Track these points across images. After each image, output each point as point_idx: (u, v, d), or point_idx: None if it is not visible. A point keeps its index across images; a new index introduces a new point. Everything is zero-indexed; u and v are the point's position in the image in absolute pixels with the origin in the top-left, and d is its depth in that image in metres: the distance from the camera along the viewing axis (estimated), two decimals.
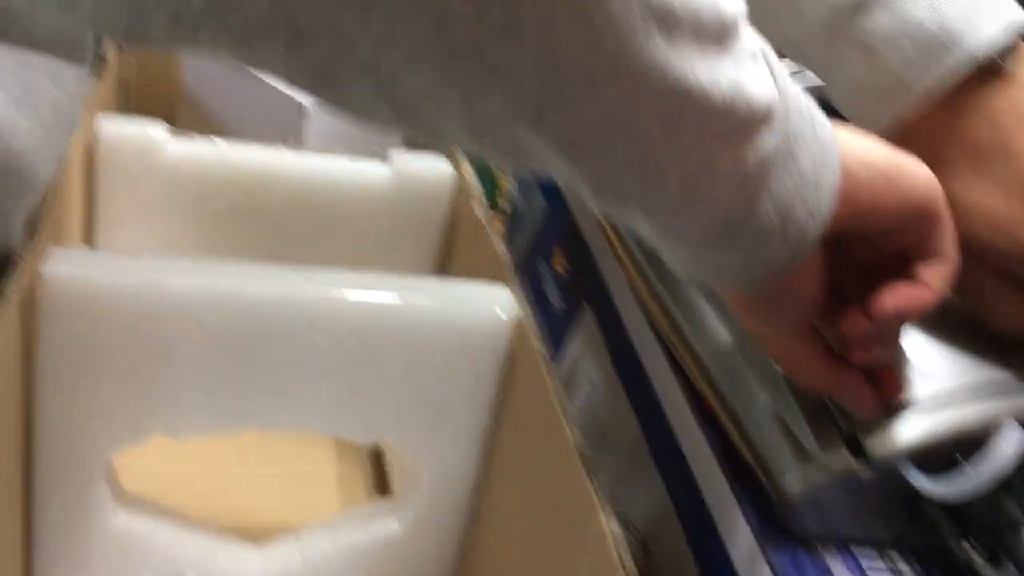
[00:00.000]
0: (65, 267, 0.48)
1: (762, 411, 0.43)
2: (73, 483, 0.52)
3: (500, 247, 0.61)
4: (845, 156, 0.35)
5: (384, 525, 0.58)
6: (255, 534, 0.60)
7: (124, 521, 0.54)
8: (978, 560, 0.39)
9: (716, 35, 0.29)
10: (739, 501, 0.43)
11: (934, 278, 0.37)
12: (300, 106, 0.69)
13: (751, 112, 0.30)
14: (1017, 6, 0.43)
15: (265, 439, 0.72)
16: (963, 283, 0.43)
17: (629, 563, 0.38)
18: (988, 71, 0.42)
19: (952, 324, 0.44)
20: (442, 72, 0.25)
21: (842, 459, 0.40)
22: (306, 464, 0.71)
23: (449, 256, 0.72)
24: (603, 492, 0.42)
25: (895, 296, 0.37)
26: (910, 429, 0.40)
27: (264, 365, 0.52)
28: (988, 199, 0.41)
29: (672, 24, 0.27)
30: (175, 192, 0.67)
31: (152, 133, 0.65)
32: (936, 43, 0.41)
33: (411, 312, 0.52)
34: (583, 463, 0.44)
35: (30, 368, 0.49)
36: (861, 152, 0.35)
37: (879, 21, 0.43)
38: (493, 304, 0.53)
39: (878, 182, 0.35)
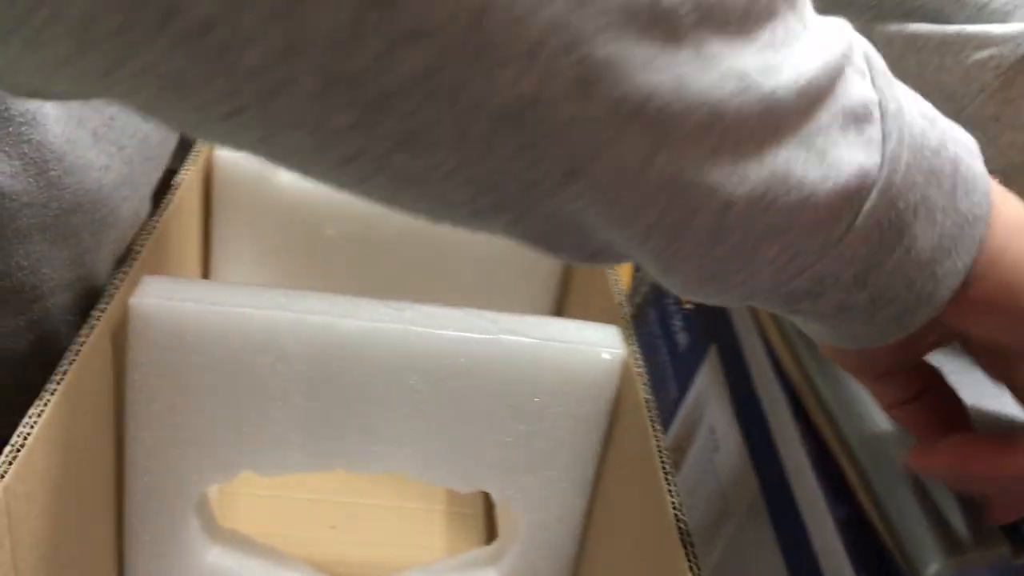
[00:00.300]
0: (154, 297, 0.47)
1: (906, 488, 0.37)
2: (164, 517, 0.51)
3: (616, 287, 0.57)
4: (999, 241, 0.27)
5: (482, 574, 0.54)
6: (354, 571, 0.58)
7: (216, 558, 0.53)
8: None
9: (796, 109, 0.23)
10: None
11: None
12: None
13: (829, 198, 0.24)
14: None
15: None
16: None
17: None
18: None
19: None
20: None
21: (999, 550, 0.34)
22: (417, 500, 0.69)
23: (567, 295, 0.68)
24: (702, 568, 0.37)
25: (946, 458, 0.31)
26: None
27: (354, 403, 0.49)
28: None
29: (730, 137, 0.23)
30: (289, 221, 0.66)
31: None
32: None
33: (510, 350, 0.49)
34: (681, 539, 0.39)
35: (122, 398, 0.48)
36: (1012, 245, 0.27)
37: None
38: (597, 345, 0.49)
39: (1006, 298, 0.28)
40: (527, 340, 0.49)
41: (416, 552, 0.65)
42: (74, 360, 0.42)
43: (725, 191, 0.23)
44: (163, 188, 0.58)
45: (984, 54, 0.38)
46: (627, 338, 0.50)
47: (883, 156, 0.25)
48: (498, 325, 0.49)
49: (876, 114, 0.25)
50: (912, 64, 0.41)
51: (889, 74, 0.26)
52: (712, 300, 0.27)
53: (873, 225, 0.25)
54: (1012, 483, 0.31)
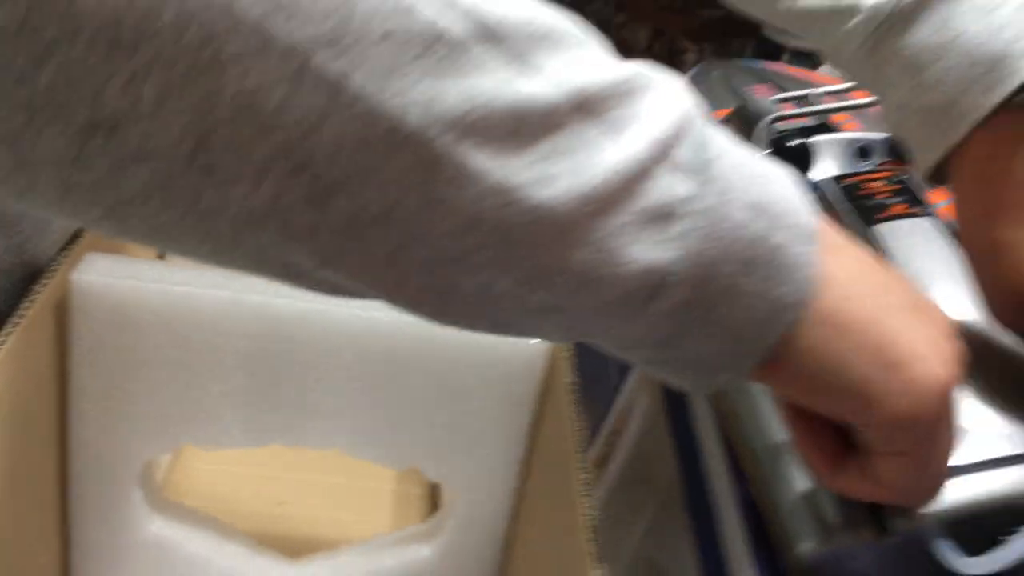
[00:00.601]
0: (96, 274, 0.48)
1: (790, 476, 0.39)
2: (108, 487, 0.53)
3: None
4: (807, 328, 0.28)
5: (417, 551, 0.56)
6: (298, 547, 0.59)
7: (159, 528, 0.55)
8: None
9: (577, 215, 0.24)
10: (757, 564, 0.40)
11: (862, 485, 0.32)
12: None
13: (613, 292, 0.26)
14: None
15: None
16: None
17: None
18: None
19: (1016, 377, 0.39)
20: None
21: (863, 531, 0.36)
22: (366, 478, 0.71)
23: None
24: (600, 544, 0.39)
25: (844, 487, 0.33)
26: (942, 499, 0.35)
27: (291, 381, 0.51)
28: None
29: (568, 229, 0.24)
30: None
31: None
32: (990, 64, 0.36)
33: (441, 335, 0.50)
34: (586, 518, 0.41)
35: (66, 372, 0.50)
36: (812, 341, 0.28)
37: (926, 34, 0.38)
38: None
39: (797, 380, 0.29)
40: None
41: (361, 529, 0.66)
42: (11, 332, 0.44)
43: (488, 275, 0.25)
44: None
45: (854, 22, 0.40)
46: None
47: (684, 250, 0.26)
48: None
49: (685, 213, 0.26)
50: (814, 32, 0.43)
51: (726, 165, 0.27)
52: (508, 336, 0.29)
53: (674, 306, 0.27)
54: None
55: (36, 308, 0.46)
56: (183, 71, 0.20)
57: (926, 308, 0.31)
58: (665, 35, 2.80)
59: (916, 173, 0.40)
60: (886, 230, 0.44)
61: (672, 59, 3.00)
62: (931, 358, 0.30)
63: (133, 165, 0.21)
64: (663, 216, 0.25)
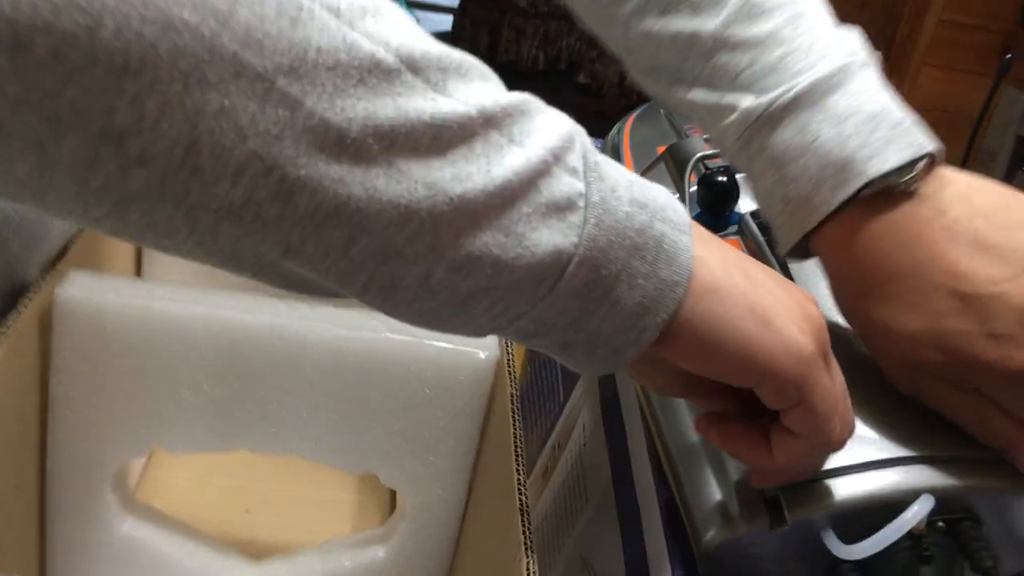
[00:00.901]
0: (78, 289, 0.53)
1: (701, 474, 0.44)
2: (82, 489, 0.57)
3: None
4: (683, 302, 0.34)
5: (372, 552, 0.60)
6: (261, 550, 0.63)
7: (130, 528, 0.59)
8: None
9: (491, 205, 0.30)
10: (671, 555, 0.44)
11: (789, 452, 0.37)
12: None
13: (527, 270, 0.31)
14: (920, 129, 0.43)
15: (295, 461, 0.75)
16: (929, 402, 0.43)
17: None
18: (893, 193, 0.42)
19: (895, 390, 0.44)
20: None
21: (761, 521, 0.40)
22: (328, 488, 0.75)
23: None
24: (534, 538, 0.43)
25: (759, 466, 0.38)
26: (829, 495, 0.40)
27: (256, 391, 0.55)
28: (918, 325, 0.41)
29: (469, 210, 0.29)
30: None
31: None
32: (839, 167, 0.42)
33: (395, 348, 0.55)
34: (520, 506, 0.45)
35: (46, 381, 0.54)
36: (699, 310, 0.34)
37: (788, 137, 0.43)
38: (475, 346, 0.55)
39: (691, 346, 0.34)
40: (410, 339, 0.55)
41: (322, 534, 0.70)
42: None
43: (425, 264, 0.30)
44: None
45: (731, 119, 0.45)
46: (502, 341, 0.57)
47: (582, 236, 0.31)
48: (385, 324, 0.55)
49: (579, 204, 0.32)
50: (700, 121, 0.49)
51: (604, 171, 0.33)
52: (451, 333, 0.34)
53: (578, 286, 0.32)
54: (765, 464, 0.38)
55: (22, 321, 0.50)
56: (177, 91, 0.25)
57: (786, 284, 0.37)
58: None
59: (780, 251, 0.46)
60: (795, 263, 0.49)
61: (643, 93, 3.07)
62: (797, 315, 0.35)
63: (137, 167, 0.26)
64: (562, 208, 0.31)
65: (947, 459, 0.40)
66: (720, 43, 0.46)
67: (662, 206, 0.34)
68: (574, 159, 0.32)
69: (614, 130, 0.71)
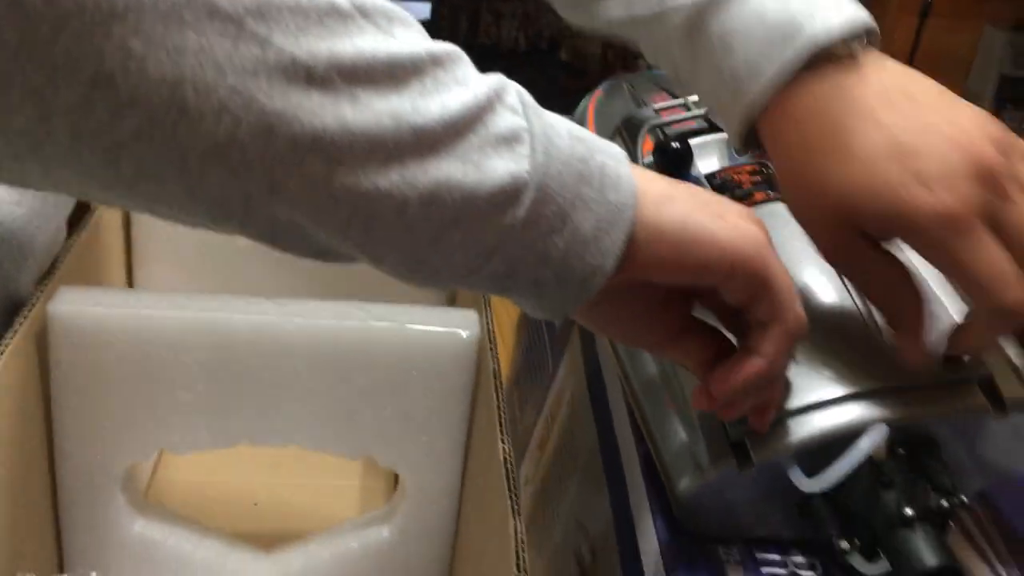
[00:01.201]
0: (70, 304, 0.55)
1: (672, 428, 0.46)
2: (93, 494, 0.59)
3: None
4: (642, 216, 0.36)
5: (377, 533, 0.63)
6: (271, 540, 0.65)
7: (142, 528, 0.61)
8: (852, 553, 0.41)
9: (447, 134, 0.32)
10: (652, 507, 0.46)
11: (764, 344, 0.39)
12: None
13: (489, 196, 0.33)
14: (859, 5, 0.45)
15: (298, 453, 0.78)
16: (851, 274, 0.45)
17: (524, 562, 0.42)
18: (835, 57, 0.44)
19: (847, 330, 0.45)
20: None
21: (729, 464, 0.42)
22: (333, 477, 0.77)
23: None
24: (519, 503, 0.45)
25: (729, 375, 0.39)
26: (791, 433, 0.42)
27: (250, 387, 0.57)
28: (855, 172, 0.41)
29: (421, 146, 0.32)
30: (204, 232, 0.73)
31: None
32: (784, 31, 0.44)
33: (379, 335, 0.57)
34: (506, 472, 0.47)
35: (48, 394, 0.56)
36: (663, 215, 0.37)
37: (734, 14, 0.46)
38: (456, 325, 0.57)
39: (664, 249, 0.37)
40: (393, 325, 0.57)
41: (329, 520, 0.73)
42: None
43: (399, 194, 0.32)
44: (84, 208, 0.66)
45: (676, 14, 0.48)
46: (484, 319, 0.59)
47: (532, 165, 0.34)
48: (369, 314, 0.57)
49: (525, 137, 0.34)
50: (639, 36, 0.52)
51: (540, 111, 0.36)
52: (430, 284, 0.36)
53: (538, 215, 0.34)
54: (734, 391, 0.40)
55: (18, 338, 0.52)
56: (159, 33, 0.28)
57: (723, 199, 0.40)
58: (615, 46, 2.88)
59: (731, 142, 0.48)
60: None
61: (626, 66, 3.08)
62: (742, 211, 0.39)
63: (128, 109, 0.28)
64: (510, 140, 0.34)
65: (903, 389, 0.42)
66: None
67: (597, 142, 0.37)
68: (512, 99, 0.35)
69: (580, 106, 0.73)
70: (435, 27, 3.90)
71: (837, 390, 0.42)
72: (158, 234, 0.74)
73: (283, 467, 0.77)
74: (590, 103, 0.73)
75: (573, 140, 0.36)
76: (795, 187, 0.45)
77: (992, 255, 0.39)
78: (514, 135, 0.34)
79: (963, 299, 0.45)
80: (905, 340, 0.42)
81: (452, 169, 0.33)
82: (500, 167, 0.33)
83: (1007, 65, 2.41)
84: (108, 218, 0.69)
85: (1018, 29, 2.39)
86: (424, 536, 0.62)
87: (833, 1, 0.44)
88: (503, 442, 0.50)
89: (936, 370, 0.43)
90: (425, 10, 3.90)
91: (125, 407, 0.57)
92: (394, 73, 0.32)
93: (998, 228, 0.39)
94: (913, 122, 0.41)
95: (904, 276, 0.42)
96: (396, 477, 0.77)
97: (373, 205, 0.32)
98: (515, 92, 0.36)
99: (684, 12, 0.48)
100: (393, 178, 0.32)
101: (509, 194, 0.34)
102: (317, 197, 0.32)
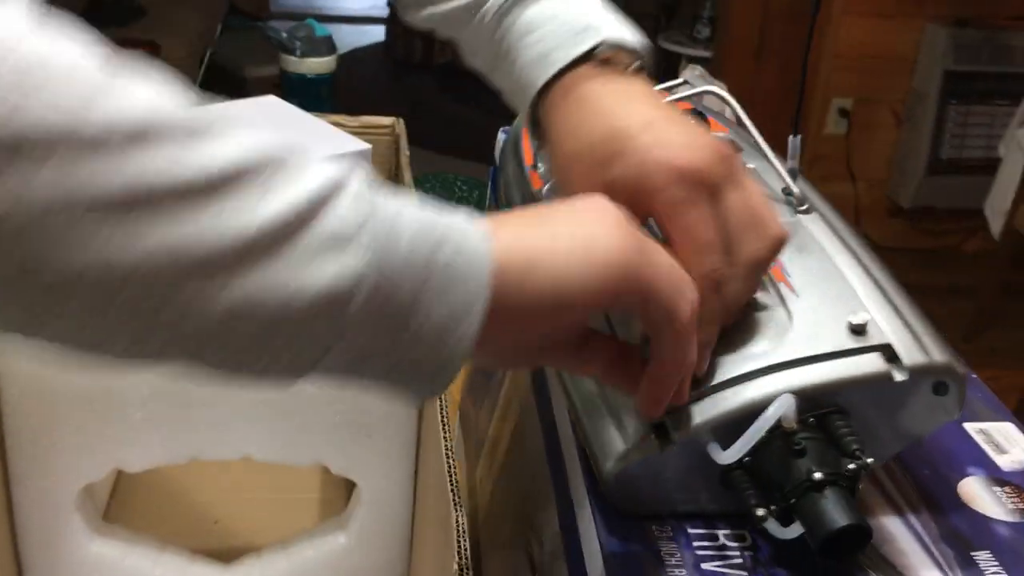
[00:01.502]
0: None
1: (599, 414, 0.48)
2: (49, 515, 0.60)
3: None
4: (501, 299, 0.36)
5: (333, 540, 0.64)
6: (231, 556, 0.67)
7: (99, 547, 0.62)
8: (768, 519, 0.43)
9: (264, 244, 0.30)
10: (590, 494, 0.48)
11: (664, 350, 0.40)
12: None
13: (312, 300, 0.32)
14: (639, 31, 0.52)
15: (258, 468, 0.79)
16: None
17: (466, 553, 0.43)
18: (614, 63, 0.50)
19: (756, 306, 0.48)
20: None
21: (651, 445, 0.44)
22: (293, 491, 0.78)
23: None
24: (460, 496, 0.47)
25: (653, 397, 0.42)
26: (706, 411, 0.44)
27: (201, 403, 0.59)
28: (616, 140, 0.46)
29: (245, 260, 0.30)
30: None
31: None
32: (579, 30, 0.50)
33: None
34: (448, 474, 0.49)
35: (0, 417, 0.57)
36: (526, 289, 0.36)
37: (537, 11, 0.53)
38: None
39: (533, 320, 0.37)
40: None
41: (291, 533, 0.74)
42: None
43: (229, 297, 0.31)
44: None
45: (484, 12, 0.54)
46: None
47: (367, 264, 0.32)
48: None
49: (360, 234, 0.32)
50: (455, 30, 0.58)
51: (387, 202, 0.34)
52: (262, 383, 0.34)
53: (372, 313, 0.33)
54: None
55: None
56: None
57: (586, 209, 0.39)
58: None
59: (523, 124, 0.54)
60: None
61: None
62: (611, 234, 0.38)
63: None
64: (341, 239, 0.32)
65: (810, 359, 0.44)
66: None
67: (451, 230, 0.35)
68: (353, 191, 0.33)
69: (516, 121, 0.75)
70: (389, 50, 3.93)
71: (748, 366, 0.44)
72: None
73: (243, 483, 0.78)
74: (525, 120, 0.75)
75: (419, 232, 0.34)
76: (565, 169, 0.49)
77: (710, 222, 0.43)
78: (345, 235, 0.32)
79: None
80: None
81: (271, 276, 0.31)
82: (327, 270, 0.32)
83: (950, 61, 2.46)
84: None
85: (959, 25, 2.44)
86: (379, 539, 0.64)
87: (622, 21, 0.52)
88: (445, 440, 0.51)
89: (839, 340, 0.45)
90: (379, 32, 3.93)
91: (76, 430, 0.58)
92: (207, 187, 0.30)
93: (718, 205, 0.44)
94: (668, 115, 0.46)
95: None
96: (351, 487, 0.78)
97: (202, 308, 0.31)
98: (359, 183, 0.34)
99: (495, 8, 0.54)
100: (221, 283, 0.31)
101: (336, 297, 0.32)
102: (115, 317, 0.30)
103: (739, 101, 0.56)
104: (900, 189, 2.61)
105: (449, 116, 3.32)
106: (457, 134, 2.90)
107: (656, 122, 0.46)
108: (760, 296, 0.48)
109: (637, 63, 0.50)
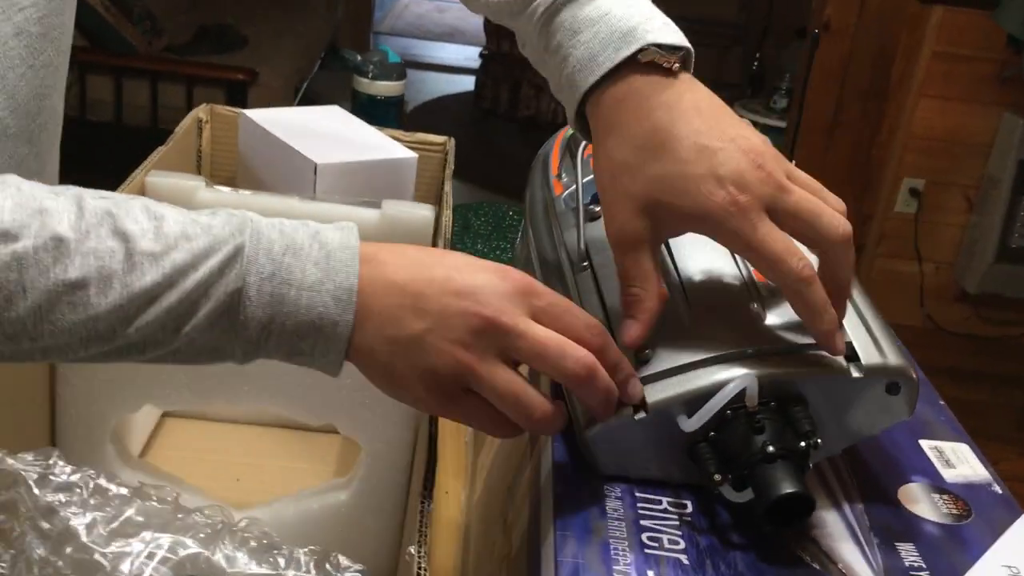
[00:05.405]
0: None
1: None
2: (87, 442, 0.67)
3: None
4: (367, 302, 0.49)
5: (336, 496, 0.70)
6: (246, 508, 0.73)
7: (127, 479, 0.68)
8: (724, 485, 0.47)
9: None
10: (554, 454, 0.53)
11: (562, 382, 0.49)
12: (315, 165, 0.84)
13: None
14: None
15: (277, 438, 0.85)
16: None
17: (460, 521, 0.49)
18: (660, 66, 0.52)
19: (734, 299, 0.53)
20: None
21: (624, 413, 0.49)
22: (310, 461, 0.84)
23: None
24: (436, 458, 0.53)
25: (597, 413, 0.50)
26: (678, 385, 0.49)
27: None
28: (667, 168, 0.50)
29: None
30: None
31: (189, 183, 0.81)
32: (624, 33, 0.53)
33: None
34: (430, 435, 0.55)
35: None
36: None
37: (584, 13, 0.55)
38: None
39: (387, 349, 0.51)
40: None
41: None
42: None
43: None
44: None
45: (535, 5, 0.57)
46: None
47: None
48: None
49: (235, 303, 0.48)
50: (508, 19, 0.61)
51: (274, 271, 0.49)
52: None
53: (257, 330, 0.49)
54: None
55: None
56: None
57: (454, 259, 0.48)
58: None
59: (570, 124, 0.57)
60: None
61: None
62: (480, 276, 0.47)
63: None
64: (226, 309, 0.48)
65: (778, 351, 0.50)
66: None
67: (342, 262, 0.51)
68: (228, 252, 0.48)
69: (548, 141, 0.80)
70: (478, 100, 4.06)
71: (719, 351, 0.49)
72: None
73: (265, 451, 0.84)
74: (557, 138, 0.81)
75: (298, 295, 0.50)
76: (609, 169, 0.53)
77: (773, 234, 0.48)
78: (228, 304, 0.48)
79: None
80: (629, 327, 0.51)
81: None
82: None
83: None
84: None
85: None
86: (378, 499, 0.69)
87: (667, 24, 0.54)
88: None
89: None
90: (469, 82, 4.06)
91: (117, 367, 0.65)
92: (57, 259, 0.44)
93: (776, 215, 0.48)
94: (715, 130, 0.50)
95: (654, 269, 0.51)
96: None
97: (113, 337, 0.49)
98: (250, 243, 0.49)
99: (544, 5, 0.57)
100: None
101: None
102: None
103: (809, 172, 0.55)
104: (967, 274, 2.60)
105: (524, 164, 3.41)
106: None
107: (705, 144, 0.49)
108: (737, 293, 0.53)
109: (679, 63, 0.53)
